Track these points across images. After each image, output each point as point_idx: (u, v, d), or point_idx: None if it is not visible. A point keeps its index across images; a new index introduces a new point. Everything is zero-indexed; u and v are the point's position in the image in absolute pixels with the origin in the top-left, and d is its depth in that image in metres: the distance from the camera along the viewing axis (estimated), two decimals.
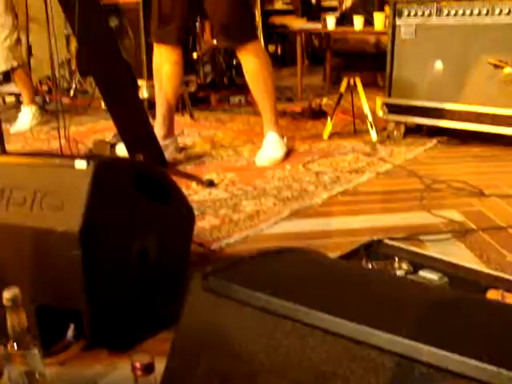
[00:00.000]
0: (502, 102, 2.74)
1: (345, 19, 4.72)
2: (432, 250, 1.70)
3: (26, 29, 4.11)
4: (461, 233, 1.86)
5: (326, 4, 7.29)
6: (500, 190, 2.28)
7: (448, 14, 2.90)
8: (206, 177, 2.49)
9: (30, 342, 0.92)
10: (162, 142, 2.61)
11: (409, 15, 3.02)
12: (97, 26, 2.05)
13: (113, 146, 2.65)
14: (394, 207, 2.15)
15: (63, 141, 2.04)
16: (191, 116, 3.84)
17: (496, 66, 2.75)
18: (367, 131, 3.13)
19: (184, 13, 2.59)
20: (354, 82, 3.16)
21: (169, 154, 2.70)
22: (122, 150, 2.47)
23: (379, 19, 4.12)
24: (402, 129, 3.15)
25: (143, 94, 3.84)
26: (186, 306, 0.87)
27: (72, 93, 4.62)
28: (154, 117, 2.83)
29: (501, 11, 2.73)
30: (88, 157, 1.26)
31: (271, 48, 6.75)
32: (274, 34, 6.62)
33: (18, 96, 4.34)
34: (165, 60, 2.67)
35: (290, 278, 0.91)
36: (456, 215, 2.02)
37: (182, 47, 2.69)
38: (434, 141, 3.06)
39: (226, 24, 2.52)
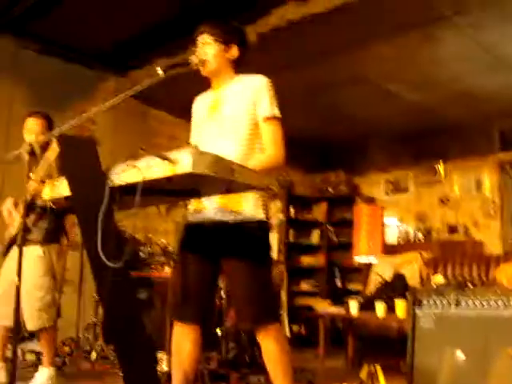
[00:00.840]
0: None
1: (368, 304, 4.83)
2: None
3: (59, 291, 4.30)
4: None
5: (351, 287, 7.55)
6: None
7: (466, 306, 2.97)
8: None
9: None
10: None
11: (428, 305, 3.11)
12: (125, 297, 2.14)
13: None
14: None
15: None
16: None
17: None
18: None
19: (206, 293, 2.60)
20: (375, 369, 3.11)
21: None
22: None
23: (400, 307, 4.21)
24: None
25: (163, 367, 3.81)
26: None
27: (93, 357, 4.61)
28: None
29: None
30: None
31: (295, 328, 6.79)
32: (298, 314, 6.73)
33: (38, 354, 4.33)
34: (184, 338, 2.62)
35: None
36: None
37: (201, 326, 2.62)
38: None
39: (246, 305, 2.48)
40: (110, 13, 4.82)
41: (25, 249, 2.47)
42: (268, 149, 2.52)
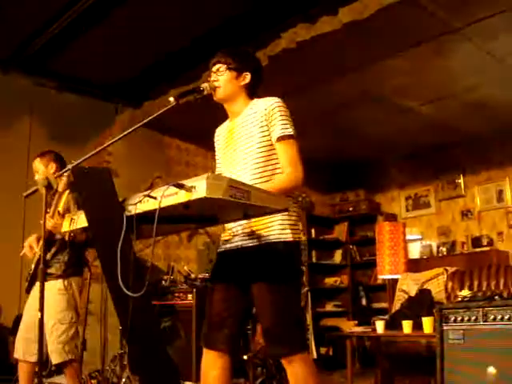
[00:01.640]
0: None
1: (395, 322, 4.75)
2: None
3: (84, 324, 4.30)
4: None
5: (376, 305, 7.48)
6: None
7: (494, 319, 2.92)
8: None
9: None
10: None
11: (455, 321, 3.05)
12: (147, 326, 2.14)
13: None
14: None
15: None
16: None
17: None
18: None
19: (235, 321, 2.54)
20: None
21: None
22: None
23: (428, 324, 4.13)
24: None
25: None
26: None
27: None
28: None
29: None
30: None
31: (323, 350, 6.71)
32: (325, 335, 6.65)
33: None
34: (213, 365, 2.56)
35: None
36: None
37: (230, 354, 2.55)
38: None
39: (272, 333, 2.42)
40: (125, 46, 4.89)
41: (46, 283, 2.48)
42: (285, 169, 2.49)
